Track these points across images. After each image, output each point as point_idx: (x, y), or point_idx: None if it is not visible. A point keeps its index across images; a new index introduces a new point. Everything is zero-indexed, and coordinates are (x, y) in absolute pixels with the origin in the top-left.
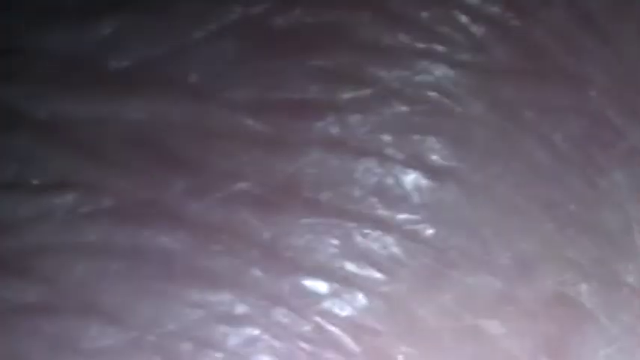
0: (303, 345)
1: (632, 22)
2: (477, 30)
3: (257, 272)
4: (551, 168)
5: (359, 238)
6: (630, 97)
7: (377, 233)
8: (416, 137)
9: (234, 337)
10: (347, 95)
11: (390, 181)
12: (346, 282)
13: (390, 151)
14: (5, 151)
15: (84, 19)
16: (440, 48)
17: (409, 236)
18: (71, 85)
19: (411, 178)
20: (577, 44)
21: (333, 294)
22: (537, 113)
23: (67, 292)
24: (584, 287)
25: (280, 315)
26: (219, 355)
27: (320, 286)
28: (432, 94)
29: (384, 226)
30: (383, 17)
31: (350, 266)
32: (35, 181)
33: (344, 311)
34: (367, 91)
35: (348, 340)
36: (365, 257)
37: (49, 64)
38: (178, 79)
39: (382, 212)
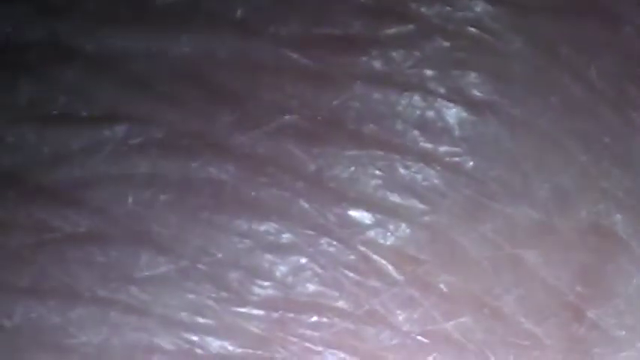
0: (348, 273)
1: None
2: None
3: (303, 203)
4: (587, 102)
5: (402, 170)
6: None
7: (419, 165)
8: (457, 72)
9: (281, 266)
10: (390, 31)
11: (432, 114)
12: (389, 212)
13: (432, 85)
14: (55, 83)
15: None
16: None
17: (451, 168)
18: (120, 19)
19: (452, 112)
20: None
21: (377, 224)
22: (573, 49)
23: (118, 222)
24: (618, 217)
25: (326, 244)
26: (266, 283)
27: (364, 216)
28: (473, 30)
29: (426, 158)
30: None
31: (393, 197)
32: (85, 113)
33: (387, 241)
34: (410, 27)
35: (391, 269)
36: (407, 188)
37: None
38: (225, 15)
39: (424, 145)
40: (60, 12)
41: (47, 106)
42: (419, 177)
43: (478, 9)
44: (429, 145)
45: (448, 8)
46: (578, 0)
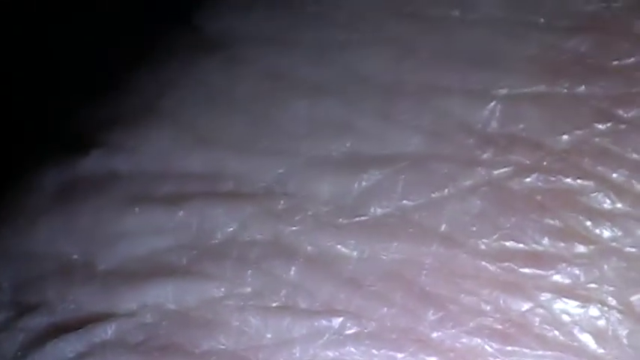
0: None
1: None
2: None
3: None
4: None
5: None
6: None
7: None
8: (631, 290)
9: None
10: (574, 250)
11: (606, 325)
12: None
13: (610, 300)
14: (278, 278)
15: (351, 170)
16: None
17: None
18: (336, 225)
19: (624, 324)
20: None
21: None
22: None
23: None
24: None
25: None
26: None
27: None
28: None
29: None
30: (605, 187)
31: None
32: (304, 306)
33: None
34: (591, 248)
35: None
36: None
37: (318, 206)
38: (431, 227)
39: (597, 350)
40: (283, 215)
41: (270, 297)
42: None
43: None
44: (601, 351)
45: (621, 232)
46: None
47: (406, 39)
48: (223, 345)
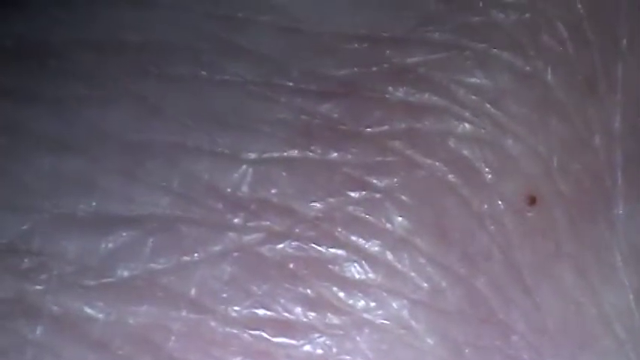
0: None
1: (552, 278)
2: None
3: None
4: None
5: None
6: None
7: None
8: None
9: None
10: (326, 320)
11: None
12: None
13: None
14: (24, 337)
15: (97, 230)
16: (401, 285)
17: None
18: (82, 285)
19: None
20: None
21: None
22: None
23: None
24: None
25: None
26: None
27: None
28: (395, 326)
29: None
30: (358, 256)
31: None
32: None
33: None
34: (344, 319)
35: None
36: None
37: (63, 265)
38: (180, 292)
39: None
40: (27, 273)
41: (16, 357)
42: None
43: (396, 305)
44: None
45: (373, 303)
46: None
47: (152, 97)
48: None
